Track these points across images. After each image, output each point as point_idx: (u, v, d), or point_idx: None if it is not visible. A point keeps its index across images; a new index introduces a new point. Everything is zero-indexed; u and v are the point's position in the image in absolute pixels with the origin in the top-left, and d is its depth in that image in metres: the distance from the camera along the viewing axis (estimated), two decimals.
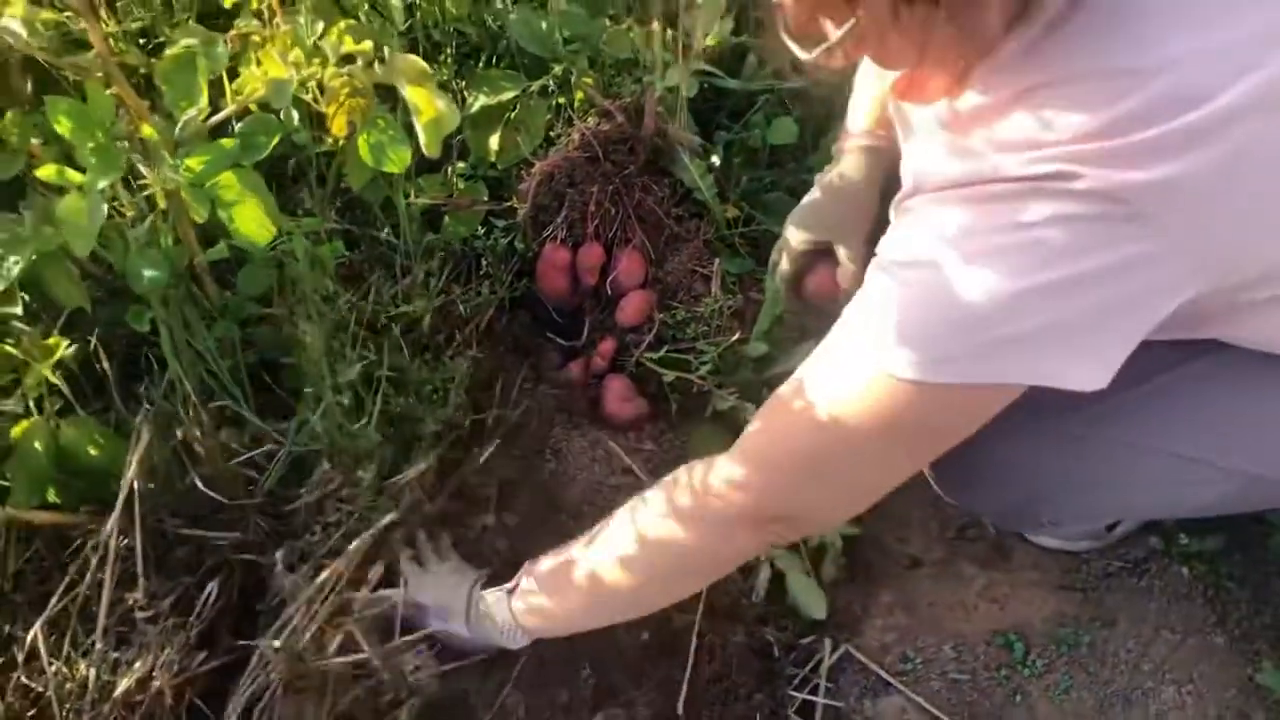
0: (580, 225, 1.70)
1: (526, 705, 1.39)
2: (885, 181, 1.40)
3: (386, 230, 1.68)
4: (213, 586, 1.33)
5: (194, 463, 1.38)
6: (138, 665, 1.24)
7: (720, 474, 1.10)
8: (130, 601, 1.28)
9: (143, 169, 1.23)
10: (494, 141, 1.74)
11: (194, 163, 1.21)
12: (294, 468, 1.43)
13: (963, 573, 1.62)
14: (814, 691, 1.49)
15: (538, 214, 1.71)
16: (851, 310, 1.01)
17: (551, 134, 1.78)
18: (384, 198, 1.69)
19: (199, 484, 1.34)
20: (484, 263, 1.74)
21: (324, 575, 1.30)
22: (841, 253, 1.42)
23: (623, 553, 1.17)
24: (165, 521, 1.35)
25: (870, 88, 1.41)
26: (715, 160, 1.77)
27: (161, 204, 1.33)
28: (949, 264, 0.90)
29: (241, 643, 1.29)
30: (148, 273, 1.32)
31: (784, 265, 1.50)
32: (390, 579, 1.36)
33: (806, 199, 1.46)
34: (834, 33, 0.91)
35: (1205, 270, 0.88)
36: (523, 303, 1.77)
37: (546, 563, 1.29)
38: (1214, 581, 1.57)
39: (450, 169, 1.78)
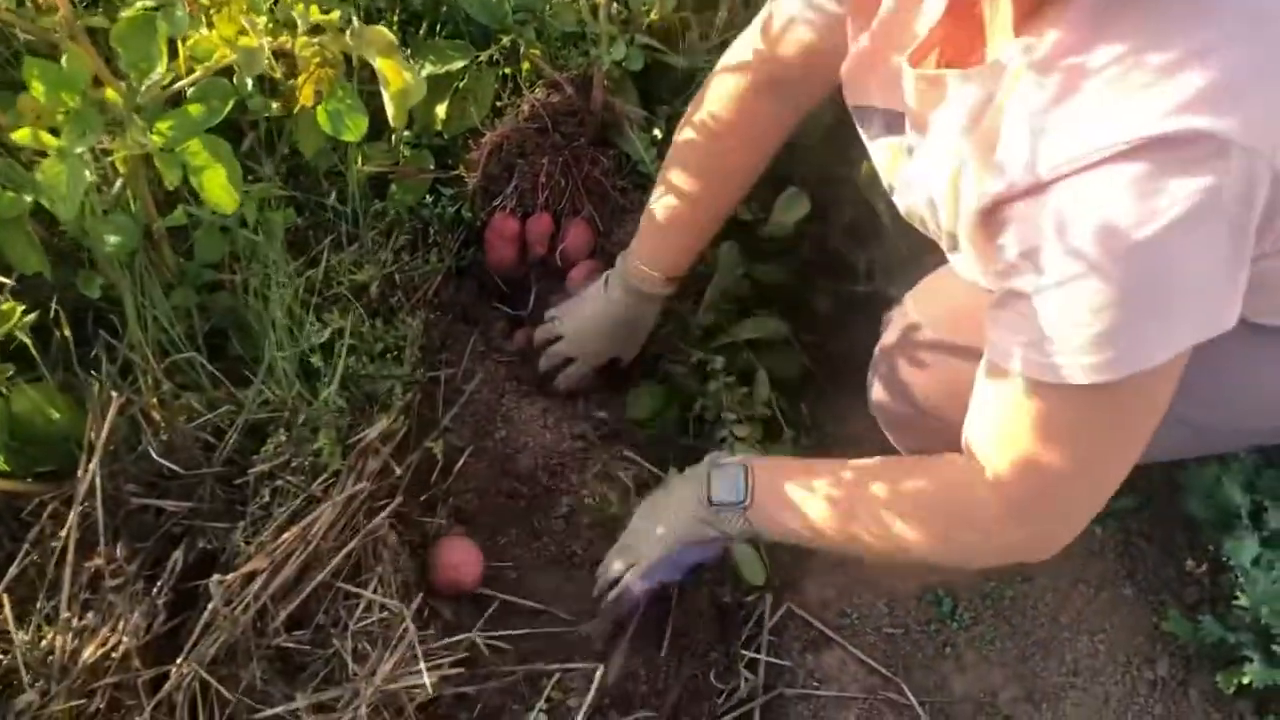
0: (530, 195, 1.72)
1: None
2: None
3: (333, 197, 1.68)
4: (177, 555, 1.33)
5: (152, 430, 1.37)
6: (104, 632, 1.24)
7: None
8: (92, 569, 1.28)
9: (107, 134, 1.21)
10: (441, 110, 1.75)
11: (164, 127, 1.20)
12: (252, 435, 1.43)
13: None
14: (760, 648, 1.56)
15: (487, 184, 1.73)
16: (1026, 352, 1.01)
17: (499, 104, 1.79)
18: (330, 165, 1.69)
19: (154, 452, 1.33)
20: (431, 231, 1.75)
21: (280, 541, 1.31)
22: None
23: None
24: (122, 489, 1.35)
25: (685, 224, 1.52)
26: (658, 134, 1.81)
27: (122, 170, 1.32)
28: (1132, 244, 0.89)
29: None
30: (112, 238, 1.31)
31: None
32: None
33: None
34: None
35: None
36: (470, 271, 1.79)
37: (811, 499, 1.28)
38: (1124, 539, 1.69)
39: (396, 137, 1.78)
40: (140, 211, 1.33)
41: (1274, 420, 1.32)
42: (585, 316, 1.65)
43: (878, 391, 1.40)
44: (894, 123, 1.21)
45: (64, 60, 1.12)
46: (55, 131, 1.13)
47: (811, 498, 1.27)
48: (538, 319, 1.75)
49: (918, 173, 1.15)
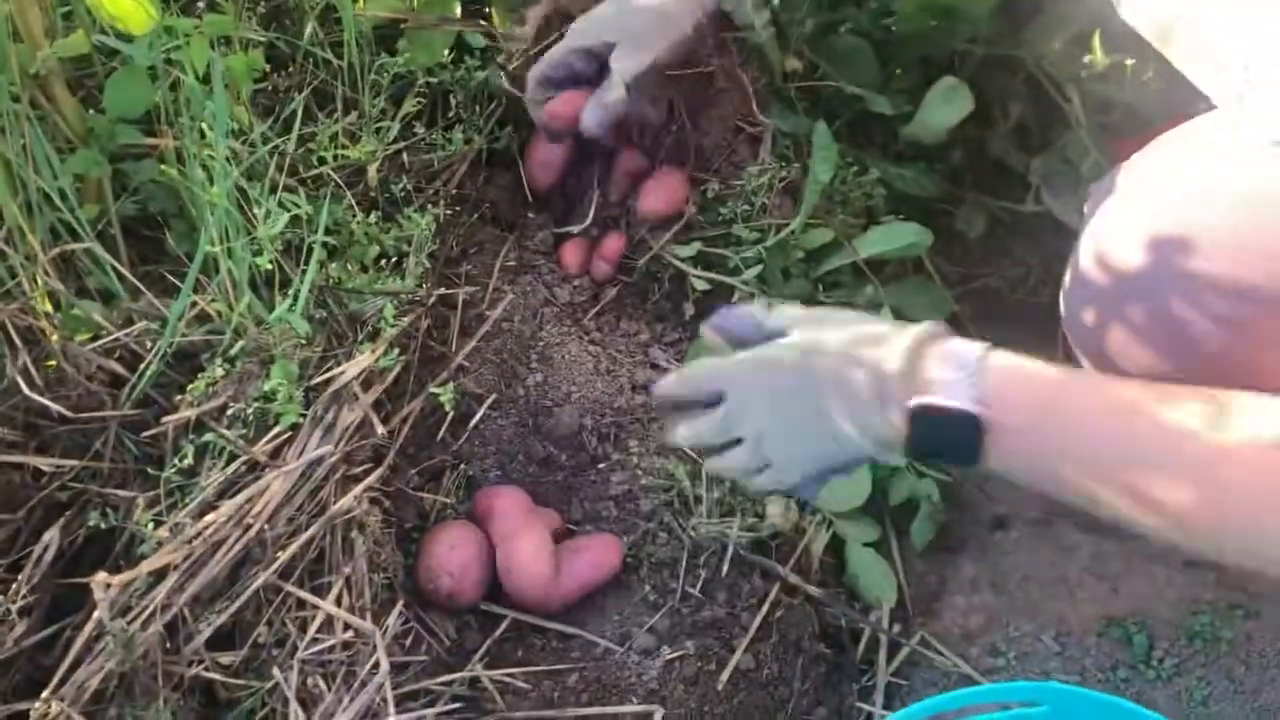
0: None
1: None
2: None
3: (324, 49, 1.24)
4: (51, 535, 0.91)
5: (30, 353, 0.95)
6: None
7: None
8: None
9: None
10: None
11: None
12: (179, 367, 1.01)
13: (1063, 539, 1.27)
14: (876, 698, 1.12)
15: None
16: None
17: None
18: (322, 2, 1.25)
19: (28, 386, 0.91)
20: (454, 102, 1.30)
21: (207, 523, 0.90)
22: (616, 70, 1.17)
23: None
24: None
25: None
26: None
27: None
28: None
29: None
30: None
31: (535, 71, 1.22)
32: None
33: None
34: None
35: None
36: (503, 159, 1.34)
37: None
38: None
39: None
40: (4, 27, 0.89)
41: None
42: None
43: (1087, 315, 0.86)
44: None
45: None
46: None
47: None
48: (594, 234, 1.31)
49: None
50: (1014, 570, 1.25)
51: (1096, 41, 1.20)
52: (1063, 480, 0.76)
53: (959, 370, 0.78)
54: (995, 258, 1.42)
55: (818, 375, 0.82)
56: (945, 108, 1.29)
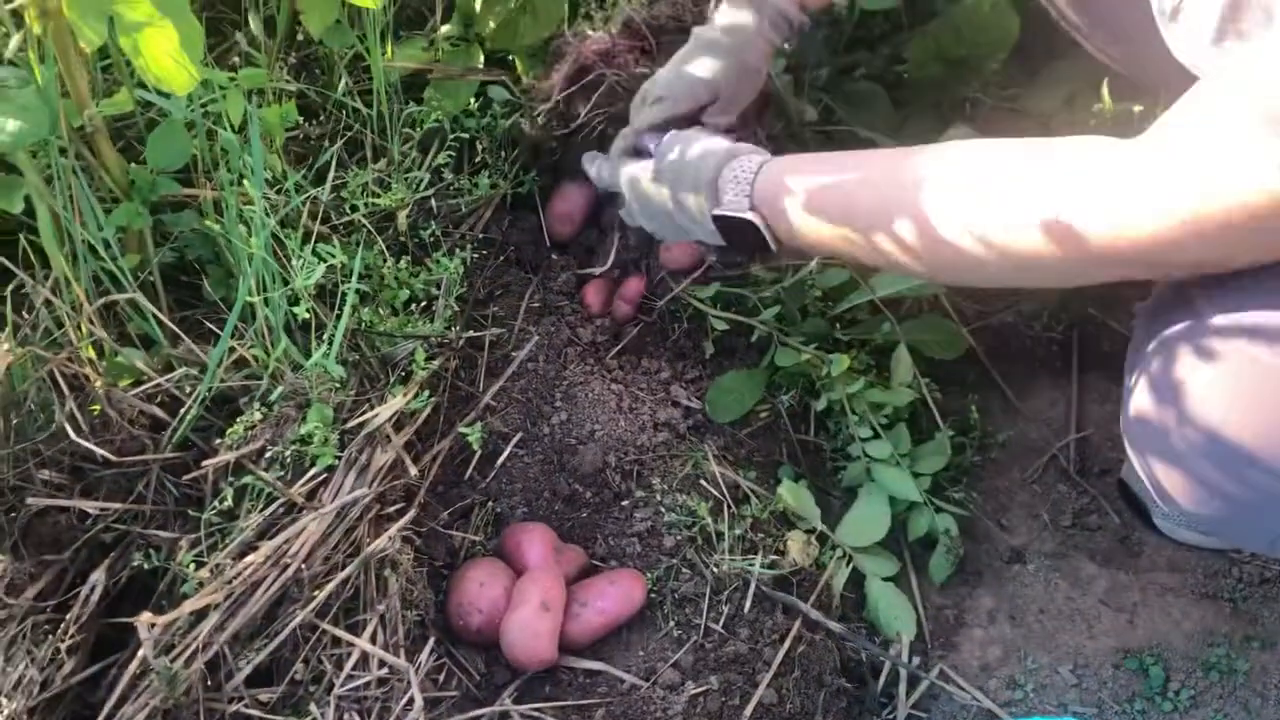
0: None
1: None
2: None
3: (354, 98, 1.28)
4: (98, 577, 0.94)
5: (75, 399, 0.99)
6: None
7: None
8: None
9: None
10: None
11: None
12: (218, 411, 1.05)
13: (1080, 571, 1.28)
14: None
15: (567, 106, 1.29)
16: None
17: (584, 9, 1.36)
18: (351, 53, 1.28)
19: (75, 430, 0.94)
20: (479, 148, 1.34)
21: (246, 564, 0.93)
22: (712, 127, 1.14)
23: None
24: (32, 479, 0.96)
25: None
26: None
27: (35, 27, 0.92)
28: None
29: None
30: (11, 124, 0.92)
31: (618, 144, 1.17)
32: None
33: (675, 60, 1.15)
34: None
35: None
36: (529, 202, 1.38)
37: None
38: None
39: (435, 28, 1.37)
40: (52, 87, 0.93)
41: None
42: (680, 54, 1.17)
43: (1140, 400, 0.88)
44: None
45: None
46: None
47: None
48: (615, 275, 1.34)
49: None
50: (1031, 603, 1.26)
51: (1105, 90, 1.22)
52: (822, 240, 0.97)
53: (740, 184, 0.99)
54: (1010, 295, 1.43)
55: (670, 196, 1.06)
56: None
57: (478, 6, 1.32)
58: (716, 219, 1.01)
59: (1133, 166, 0.77)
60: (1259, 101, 0.68)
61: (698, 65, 1.12)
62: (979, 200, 0.84)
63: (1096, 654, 1.23)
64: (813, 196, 0.95)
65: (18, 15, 0.92)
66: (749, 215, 0.99)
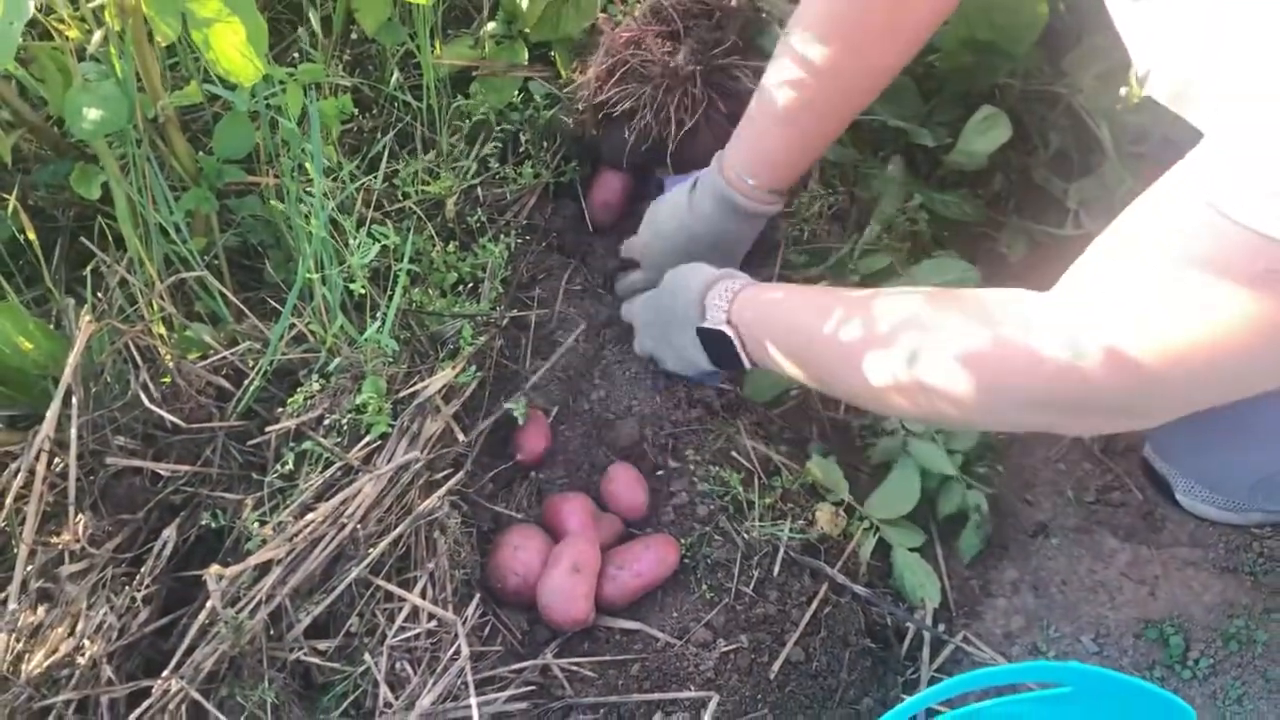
0: (649, 113, 1.34)
1: None
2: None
3: (405, 92, 1.35)
4: (169, 534, 1.02)
5: (149, 370, 1.06)
6: (60, 631, 0.93)
7: None
8: (59, 546, 0.98)
9: None
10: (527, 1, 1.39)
11: None
12: (279, 382, 1.12)
13: (1102, 545, 1.31)
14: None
15: (601, 99, 1.35)
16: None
17: None
18: (402, 50, 1.35)
19: (149, 398, 1.02)
20: (523, 140, 1.40)
21: (305, 523, 0.99)
22: None
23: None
24: (109, 444, 1.04)
25: (801, 128, 1.18)
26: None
27: (115, 24, 1.00)
28: None
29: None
30: (92, 114, 1.00)
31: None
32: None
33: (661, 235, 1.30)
34: None
35: None
36: (570, 191, 1.44)
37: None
38: None
39: (482, 26, 1.44)
40: (130, 79, 1.00)
41: None
42: (663, 230, 1.29)
43: None
44: None
45: None
46: None
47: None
48: None
49: None
50: (1054, 575, 1.29)
51: (1133, 75, 1.25)
52: (783, 366, 1.06)
53: (721, 300, 1.11)
54: (1036, 279, 1.46)
55: (669, 318, 1.18)
56: (984, 135, 1.34)
57: (524, 4, 1.39)
58: (700, 331, 1.12)
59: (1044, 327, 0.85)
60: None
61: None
62: (904, 357, 0.90)
63: (1118, 624, 1.26)
64: (776, 339, 1.06)
65: (98, 13, 1.00)
66: (725, 329, 1.10)
